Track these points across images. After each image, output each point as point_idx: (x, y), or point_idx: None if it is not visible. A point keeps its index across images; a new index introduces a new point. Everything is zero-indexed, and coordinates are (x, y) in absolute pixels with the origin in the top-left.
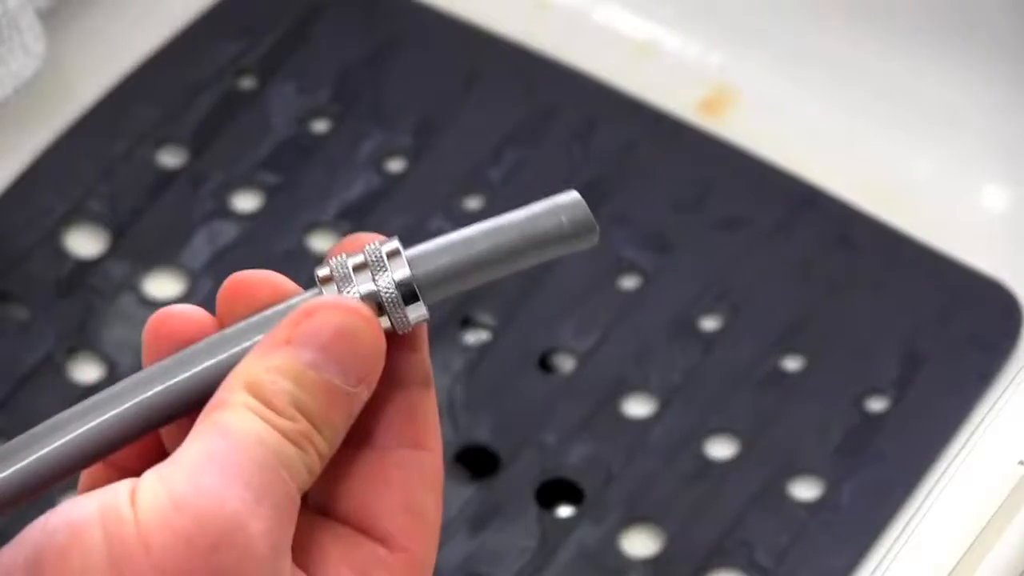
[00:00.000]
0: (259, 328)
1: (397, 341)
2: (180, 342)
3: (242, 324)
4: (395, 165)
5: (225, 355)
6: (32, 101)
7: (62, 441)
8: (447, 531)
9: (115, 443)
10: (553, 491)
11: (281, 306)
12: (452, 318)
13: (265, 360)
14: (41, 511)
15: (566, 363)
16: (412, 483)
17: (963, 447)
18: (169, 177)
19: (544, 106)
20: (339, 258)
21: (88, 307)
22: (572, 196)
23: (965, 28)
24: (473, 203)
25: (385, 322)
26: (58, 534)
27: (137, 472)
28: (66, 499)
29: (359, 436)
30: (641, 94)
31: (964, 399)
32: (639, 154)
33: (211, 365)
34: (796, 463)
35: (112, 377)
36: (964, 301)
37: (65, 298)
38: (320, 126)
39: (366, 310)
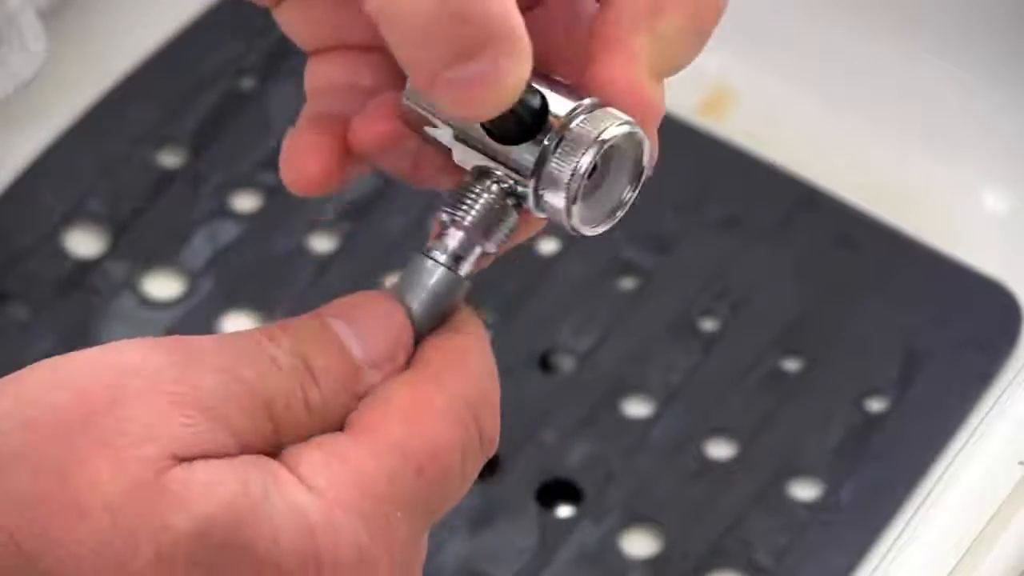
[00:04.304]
0: None
1: None
2: None
3: None
4: None
5: None
6: (32, 101)
7: None
8: (446, 531)
9: None
10: (553, 491)
11: None
12: None
13: None
14: None
15: (566, 363)
16: None
17: (963, 447)
18: (169, 177)
19: None
20: None
21: (88, 307)
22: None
23: (965, 28)
24: None
25: None
26: None
27: None
28: None
29: None
30: None
31: (964, 399)
32: None
33: None
34: (796, 463)
35: None
36: (964, 301)
37: (65, 298)
38: None
39: None
